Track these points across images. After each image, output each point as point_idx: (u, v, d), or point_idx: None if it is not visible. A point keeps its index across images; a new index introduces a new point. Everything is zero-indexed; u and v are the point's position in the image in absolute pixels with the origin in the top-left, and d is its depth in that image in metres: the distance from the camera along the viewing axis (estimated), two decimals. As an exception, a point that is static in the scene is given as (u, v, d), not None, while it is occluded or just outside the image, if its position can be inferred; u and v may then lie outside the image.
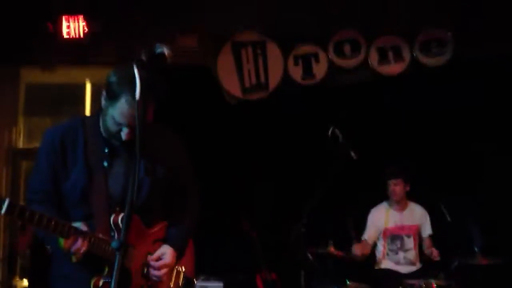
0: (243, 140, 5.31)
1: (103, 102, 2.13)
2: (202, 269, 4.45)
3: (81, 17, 5.46)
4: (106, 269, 2.09)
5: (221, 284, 4.49)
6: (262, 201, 5.23)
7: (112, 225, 2.12)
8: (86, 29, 5.45)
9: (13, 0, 5.41)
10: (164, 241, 2.30)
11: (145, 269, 2.20)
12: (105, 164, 2.16)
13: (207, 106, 5.32)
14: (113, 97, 2.07)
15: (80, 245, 2.00)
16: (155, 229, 2.27)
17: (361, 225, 4.75)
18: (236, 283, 4.71)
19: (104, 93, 2.12)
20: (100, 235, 2.08)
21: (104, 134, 2.19)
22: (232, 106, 5.32)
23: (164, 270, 2.22)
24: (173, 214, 2.36)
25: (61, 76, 6.13)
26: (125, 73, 2.00)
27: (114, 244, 1.70)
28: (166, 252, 2.25)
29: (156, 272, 2.21)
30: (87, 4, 5.55)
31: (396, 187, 4.64)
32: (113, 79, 2.08)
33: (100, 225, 2.11)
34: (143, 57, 1.83)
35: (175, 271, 2.32)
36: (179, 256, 2.30)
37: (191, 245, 2.44)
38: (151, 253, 2.24)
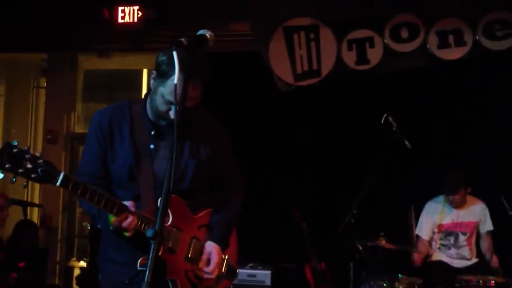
0: (294, 127, 5.24)
1: (152, 82, 2.16)
2: (251, 257, 4.47)
3: (136, 6, 5.52)
4: None
5: (269, 272, 4.47)
6: (313, 190, 5.14)
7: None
8: (141, 16, 5.51)
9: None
10: (208, 227, 2.30)
11: (189, 253, 2.21)
12: (152, 146, 2.18)
13: (258, 92, 5.28)
14: (163, 76, 2.09)
15: (131, 221, 2.03)
16: (200, 214, 2.27)
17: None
18: (284, 272, 4.67)
19: (154, 72, 2.15)
20: (149, 216, 2.10)
21: (151, 117, 2.21)
22: (284, 92, 5.24)
23: (216, 271, 2.24)
24: (216, 203, 2.35)
25: (118, 62, 6.27)
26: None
27: (149, 233, 1.67)
28: (212, 251, 2.24)
29: (209, 276, 2.23)
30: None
31: (456, 196, 4.38)
32: (163, 58, 2.11)
33: (147, 206, 2.12)
34: (184, 40, 1.82)
35: None
36: (223, 249, 2.30)
37: (234, 234, 2.44)
38: (196, 238, 2.24)
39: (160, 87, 2.11)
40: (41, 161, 1.86)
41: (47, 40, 5.82)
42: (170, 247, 2.13)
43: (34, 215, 5.97)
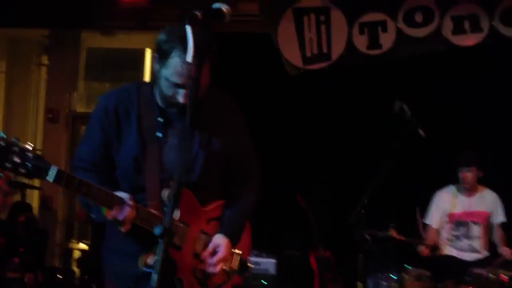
0: (302, 112, 5.10)
1: (155, 65, 2.00)
2: (255, 245, 4.37)
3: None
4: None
5: (274, 261, 4.37)
6: (321, 178, 5.03)
7: (165, 200, 1.98)
8: (148, -7, 5.35)
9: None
10: (219, 220, 2.14)
11: (197, 250, 2.06)
12: (159, 134, 2.02)
13: (266, 76, 5.14)
14: (164, 56, 1.93)
15: (128, 213, 1.88)
16: (210, 207, 2.12)
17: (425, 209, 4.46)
18: (289, 259, 4.58)
19: (155, 55, 1.99)
20: (152, 210, 1.96)
21: (159, 103, 2.06)
22: (292, 76, 5.10)
23: (220, 265, 2.06)
24: (230, 197, 2.19)
25: (122, 41, 6.12)
26: (175, 30, 1.91)
27: (157, 230, 1.52)
28: (220, 244, 2.06)
29: (212, 269, 2.05)
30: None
31: (469, 174, 4.29)
32: (163, 37, 1.94)
33: (152, 199, 1.99)
34: (198, 13, 1.62)
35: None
36: (234, 244, 2.12)
37: (248, 227, 2.27)
38: (204, 232, 2.09)
39: (162, 69, 1.95)
40: (31, 154, 1.72)
41: (49, 16, 5.66)
42: (176, 244, 1.97)
43: (33, 196, 5.88)
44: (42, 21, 5.75)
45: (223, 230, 2.10)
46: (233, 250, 2.13)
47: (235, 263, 2.14)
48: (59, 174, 1.76)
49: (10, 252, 3.71)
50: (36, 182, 5.99)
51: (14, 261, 3.75)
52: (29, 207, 4.99)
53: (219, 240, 2.07)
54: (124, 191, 1.96)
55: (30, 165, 1.71)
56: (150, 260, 1.94)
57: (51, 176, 1.75)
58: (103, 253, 2.18)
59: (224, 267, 2.10)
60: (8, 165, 1.68)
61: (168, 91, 1.96)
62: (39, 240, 4.56)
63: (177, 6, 5.33)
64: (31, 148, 1.73)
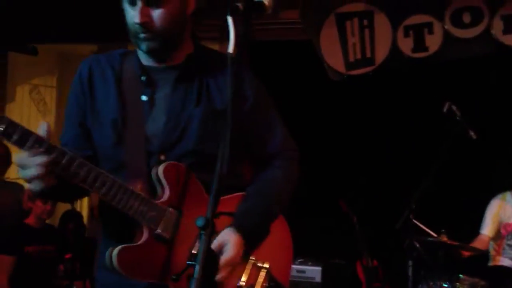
0: (346, 119, 5.01)
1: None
2: (300, 252, 4.29)
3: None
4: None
5: (319, 269, 4.27)
6: (367, 184, 4.90)
7: (154, 178, 1.55)
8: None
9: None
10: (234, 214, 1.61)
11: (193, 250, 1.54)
12: (144, 98, 1.66)
13: (308, 83, 5.08)
14: None
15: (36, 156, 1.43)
16: (224, 198, 1.45)
17: (477, 216, 4.25)
18: (335, 268, 4.47)
19: None
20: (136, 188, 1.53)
21: (144, 62, 1.69)
22: (335, 82, 5.02)
23: (227, 270, 1.54)
24: (253, 182, 1.68)
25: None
26: None
27: (199, 222, 1.25)
28: (227, 242, 1.54)
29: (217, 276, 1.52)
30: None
31: None
32: None
33: (135, 176, 1.58)
34: (239, 5, 1.49)
35: (250, 265, 1.61)
36: (250, 245, 1.59)
37: (288, 236, 1.75)
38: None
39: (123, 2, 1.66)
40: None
41: (96, 31, 5.82)
42: (160, 234, 1.51)
43: (83, 206, 6.01)
44: (89, 37, 5.92)
45: (235, 223, 1.59)
46: (257, 262, 1.63)
47: (260, 280, 1.63)
48: (9, 125, 1.42)
49: (57, 260, 3.78)
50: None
51: (60, 268, 3.83)
52: (79, 216, 5.11)
53: (227, 236, 1.56)
54: (106, 171, 1.52)
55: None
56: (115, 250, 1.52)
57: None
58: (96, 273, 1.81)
59: (240, 283, 1.59)
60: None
61: (131, 18, 1.65)
62: (88, 248, 4.64)
63: (219, 17, 5.37)
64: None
